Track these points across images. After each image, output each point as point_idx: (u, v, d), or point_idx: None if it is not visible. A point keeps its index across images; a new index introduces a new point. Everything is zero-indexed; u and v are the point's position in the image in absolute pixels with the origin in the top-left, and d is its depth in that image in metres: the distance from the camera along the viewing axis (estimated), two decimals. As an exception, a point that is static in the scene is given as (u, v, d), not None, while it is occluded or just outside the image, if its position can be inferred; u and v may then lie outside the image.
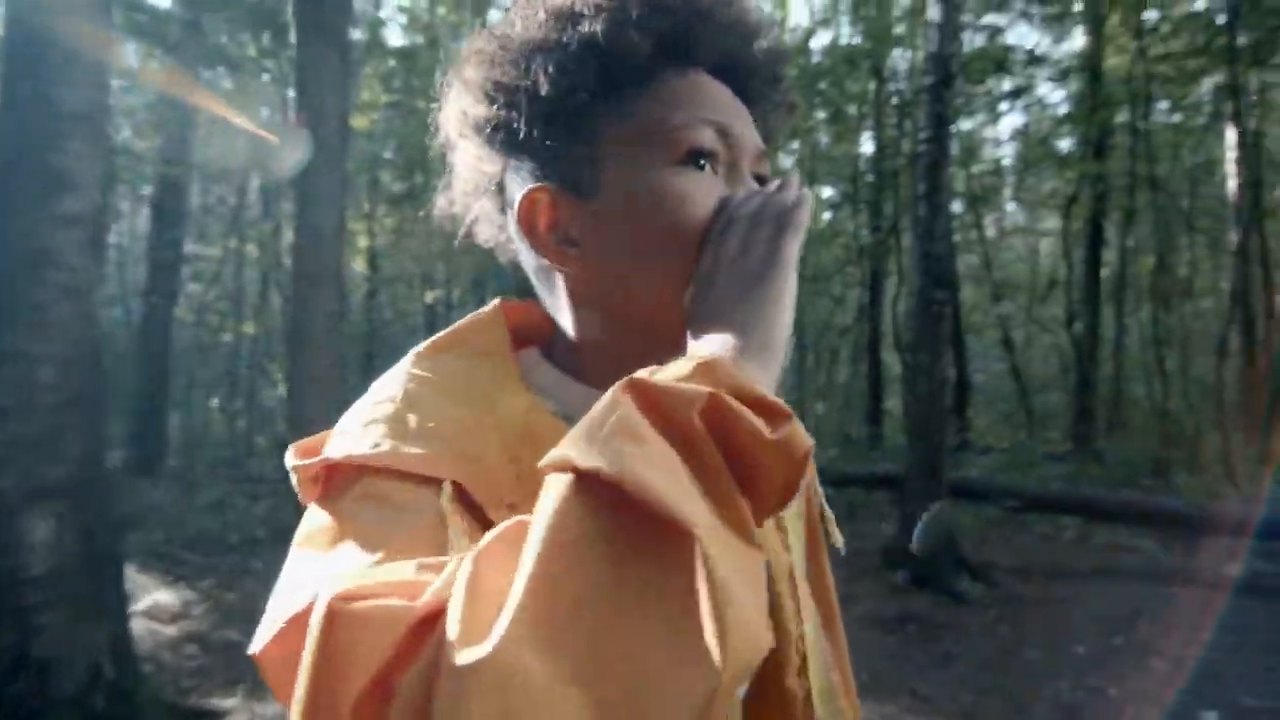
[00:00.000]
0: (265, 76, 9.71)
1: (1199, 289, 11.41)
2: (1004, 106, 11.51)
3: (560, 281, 0.59)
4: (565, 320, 0.60)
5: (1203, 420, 8.87)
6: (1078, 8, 9.93)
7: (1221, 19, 8.13)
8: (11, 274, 2.72)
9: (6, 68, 2.80)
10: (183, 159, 8.69)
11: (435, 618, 0.34)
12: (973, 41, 9.87)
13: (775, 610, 0.61)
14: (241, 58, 9.33)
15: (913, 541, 4.36)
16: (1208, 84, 9.36)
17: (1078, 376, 9.73)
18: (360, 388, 0.57)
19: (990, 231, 13.31)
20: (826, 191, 12.44)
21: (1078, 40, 10.89)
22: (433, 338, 0.59)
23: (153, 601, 4.45)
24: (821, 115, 11.35)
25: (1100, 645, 4.04)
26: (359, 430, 0.49)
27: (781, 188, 0.55)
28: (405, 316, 13.64)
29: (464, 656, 0.31)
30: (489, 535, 0.37)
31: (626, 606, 0.33)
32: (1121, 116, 9.76)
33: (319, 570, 0.41)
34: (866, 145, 12.11)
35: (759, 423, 0.39)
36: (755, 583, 0.36)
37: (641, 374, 0.41)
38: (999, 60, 9.73)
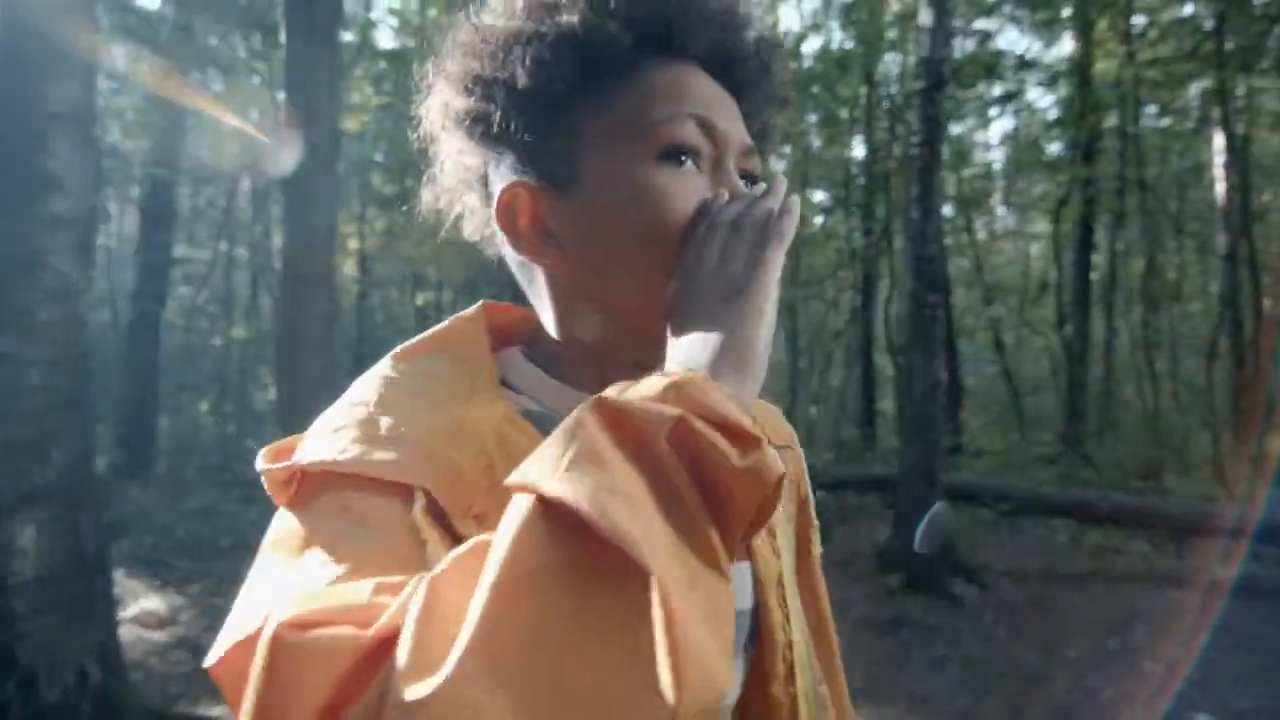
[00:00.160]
0: (255, 78, 9.68)
1: (1188, 292, 11.51)
2: (994, 111, 11.60)
3: (541, 277, 0.58)
4: (547, 316, 0.59)
5: (1193, 423, 8.93)
6: (1067, 13, 10.00)
7: (1209, 24, 8.20)
8: (-2, 276, 2.69)
9: (-7, 67, 2.76)
10: (172, 161, 8.63)
11: (387, 646, 0.33)
12: (963, 46, 9.93)
13: (763, 618, 0.61)
14: (232, 59, 9.30)
15: (915, 541, 4.36)
16: (1196, 89, 9.43)
17: (1068, 379, 9.78)
18: (350, 392, 0.56)
19: (981, 235, 13.36)
20: (818, 195, 12.49)
21: (1067, 45, 10.97)
22: (412, 339, 0.58)
23: (141, 607, 4.40)
24: (813, 119, 11.39)
25: (1095, 647, 4.05)
26: (329, 435, 0.48)
27: (767, 194, 0.53)
28: (396, 319, 13.61)
29: (413, 691, 0.30)
30: (449, 557, 0.36)
31: (584, 639, 0.32)
32: (1111, 121, 9.82)
33: (277, 584, 0.41)
34: (858, 149, 12.16)
35: (728, 448, 0.37)
36: (719, 615, 0.35)
37: (611, 391, 0.40)
38: (989, 65, 9.79)
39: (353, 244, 11.99)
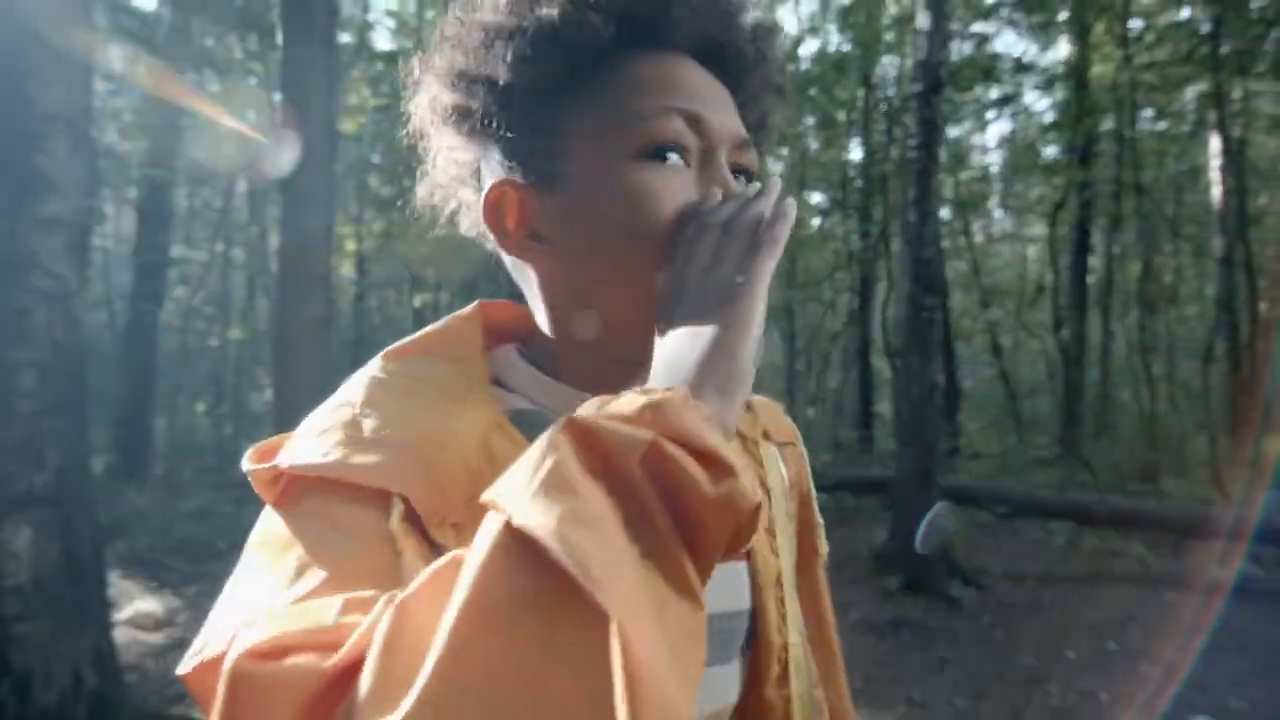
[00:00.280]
0: (252, 79, 9.67)
1: (1184, 295, 11.53)
2: (992, 114, 11.62)
3: (533, 274, 0.57)
4: (540, 313, 0.58)
5: (1189, 426, 8.95)
6: (1063, 17, 10.02)
7: (1206, 28, 8.22)
8: (-7, 277, 2.68)
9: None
10: (169, 162, 8.62)
11: (350, 674, 0.33)
12: (961, 49, 9.94)
13: (759, 619, 0.60)
14: (229, 60, 9.29)
15: (916, 541, 4.35)
16: (1192, 92, 9.46)
17: (1065, 382, 9.79)
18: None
19: (978, 238, 13.39)
20: (816, 197, 12.50)
21: (1064, 49, 11.00)
22: (404, 339, 0.58)
23: (137, 609, 4.39)
24: (811, 121, 11.40)
25: (1092, 649, 4.05)
26: (314, 437, 0.48)
27: (760, 196, 0.51)
28: (394, 321, 13.59)
29: None
30: (421, 576, 0.35)
31: (546, 675, 0.31)
32: (1107, 124, 9.84)
33: (252, 594, 0.41)
34: (856, 152, 12.18)
35: (699, 474, 0.36)
36: (689, 641, 0.34)
37: (586, 409, 0.39)
38: (987, 68, 9.81)
39: (350, 245, 11.99)
